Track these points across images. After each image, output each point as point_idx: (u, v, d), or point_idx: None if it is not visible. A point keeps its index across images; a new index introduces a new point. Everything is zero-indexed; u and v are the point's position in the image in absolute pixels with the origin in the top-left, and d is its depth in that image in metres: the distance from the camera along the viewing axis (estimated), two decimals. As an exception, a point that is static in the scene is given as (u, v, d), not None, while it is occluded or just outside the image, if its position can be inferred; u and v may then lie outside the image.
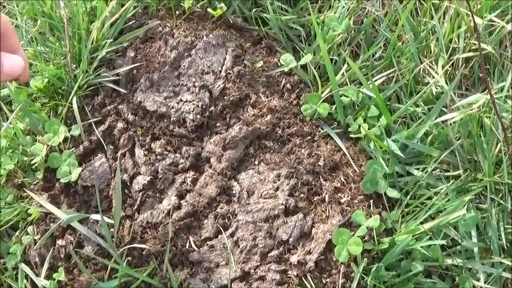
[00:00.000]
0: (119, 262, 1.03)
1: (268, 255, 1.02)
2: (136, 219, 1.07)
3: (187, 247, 1.04)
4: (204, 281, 1.02)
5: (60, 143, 1.12)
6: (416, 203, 1.08)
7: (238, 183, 1.07)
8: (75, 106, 1.12)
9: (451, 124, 1.12)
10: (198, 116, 1.10)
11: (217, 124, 1.11)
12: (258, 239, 1.03)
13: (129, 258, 1.05)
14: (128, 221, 1.07)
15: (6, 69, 0.79)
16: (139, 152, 1.10)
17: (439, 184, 1.10)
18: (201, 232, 1.05)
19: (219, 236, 1.04)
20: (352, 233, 1.04)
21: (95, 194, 1.09)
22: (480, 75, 1.19)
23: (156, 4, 1.23)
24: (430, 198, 1.09)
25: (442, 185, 1.10)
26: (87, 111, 1.14)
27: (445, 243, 1.07)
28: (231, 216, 1.05)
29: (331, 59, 1.18)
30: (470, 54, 1.20)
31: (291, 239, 1.03)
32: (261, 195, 1.06)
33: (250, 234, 1.03)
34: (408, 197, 1.10)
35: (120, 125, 1.12)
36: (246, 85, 1.14)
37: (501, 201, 1.10)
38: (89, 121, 1.13)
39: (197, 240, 1.05)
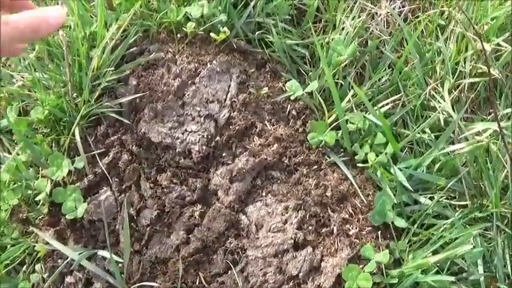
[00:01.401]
0: (129, 300, 0.96)
1: (279, 291, 0.96)
2: (144, 255, 1.00)
3: (197, 283, 0.98)
4: (215, 319, 0.96)
5: (64, 176, 1.03)
6: (424, 233, 1.01)
7: (246, 216, 1.00)
8: (78, 138, 1.03)
9: (458, 153, 1.05)
10: (204, 147, 1.02)
11: (223, 154, 1.03)
12: (268, 274, 0.96)
13: (140, 295, 0.98)
14: (136, 256, 1.00)
15: (53, 21, 0.72)
16: (145, 185, 1.02)
17: (446, 212, 1.04)
18: (211, 268, 0.98)
19: (229, 271, 0.98)
20: (362, 266, 0.98)
21: (102, 229, 1.02)
22: (486, 96, 1.11)
23: (157, 27, 1.13)
24: (437, 228, 1.03)
25: (449, 213, 1.04)
26: (90, 143, 1.06)
27: (452, 271, 1.02)
28: (240, 251, 0.99)
29: (336, 83, 1.09)
30: (477, 79, 1.12)
31: (300, 274, 0.97)
32: (270, 228, 0.99)
33: (260, 269, 0.96)
34: (415, 226, 1.03)
35: (124, 156, 1.04)
36: (251, 113, 1.05)
37: (506, 229, 1.04)
38: (93, 153, 1.05)
39: (207, 276, 0.98)
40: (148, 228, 1.00)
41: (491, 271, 1.05)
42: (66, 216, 1.02)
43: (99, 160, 1.04)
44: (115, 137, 1.06)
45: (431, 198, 1.04)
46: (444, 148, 1.05)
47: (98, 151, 1.05)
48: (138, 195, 1.03)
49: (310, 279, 0.97)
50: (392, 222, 1.03)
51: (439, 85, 1.12)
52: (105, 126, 1.07)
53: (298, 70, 1.13)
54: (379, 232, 1.02)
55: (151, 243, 1.00)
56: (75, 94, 1.07)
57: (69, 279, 1.01)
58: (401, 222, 1.03)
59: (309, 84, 1.09)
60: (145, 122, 1.04)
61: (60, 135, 1.07)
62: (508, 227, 1.06)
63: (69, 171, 1.05)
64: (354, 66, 1.14)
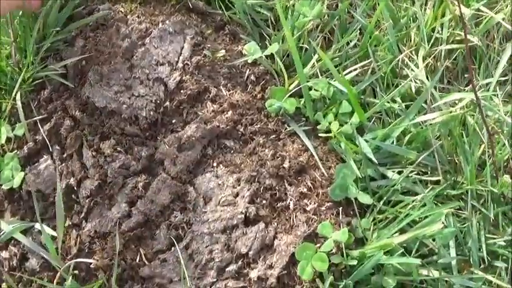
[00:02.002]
0: (65, 277, 0.85)
1: (226, 270, 0.85)
2: (83, 229, 0.89)
3: (137, 261, 0.87)
4: (155, 299, 0.84)
5: (3, 144, 0.93)
6: (391, 210, 0.89)
7: (194, 188, 0.89)
8: (19, 103, 0.93)
9: (431, 124, 0.93)
10: (152, 113, 0.91)
11: (173, 121, 0.92)
12: (214, 252, 0.85)
13: (77, 271, 0.88)
14: (74, 230, 0.90)
15: None
16: (87, 154, 0.92)
17: (416, 189, 0.92)
18: (153, 244, 0.87)
19: (172, 248, 0.86)
20: (318, 246, 0.86)
21: (41, 201, 0.91)
22: (466, 75, 0.99)
23: (110, -15, 1.02)
24: (406, 204, 0.90)
25: (419, 189, 0.91)
26: (33, 108, 0.95)
27: (421, 253, 0.90)
28: (185, 226, 0.87)
29: (301, 48, 0.98)
30: (454, 46, 1.00)
31: (250, 252, 0.85)
32: (219, 202, 0.88)
33: (206, 246, 0.85)
34: (381, 202, 0.91)
35: (67, 122, 0.93)
36: (205, 77, 0.94)
37: (483, 209, 0.91)
38: (34, 119, 0.94)
39: (148, 253, 0.87)
40: (88, 200, 0.90)
41: (465, 254, 0.93)
42: (3, 187, 0.92)
43: (40, 127, 0.94)
44: (58, 102, 0.95)
45: (400, 173, 0.92)
46: (415, 118, 0.93)
47: (40, 117, 0.94)
48: (79, 164, 0.92)
49: (261, 258, 0.86)
50: (356, 198, 0.91)
51: (413, 53, 1.00)
52: (49, 90, 0.96)
53: (261, 34, 1.01)
54: (341, 208, 0.90)
55: (91, 216, 0.90)
56: (18, 56, 0.96)
57: (3, 254, 0.91)
58: (365, 198, 0.91)
59: (270, 48, 0.97)
60: (89, 86, 0.94)
61: (2, 100, 0.96)
62: (484, 206, 0.93)
63: (9, 139, 0.95)
64: (322, 31, 1.02)
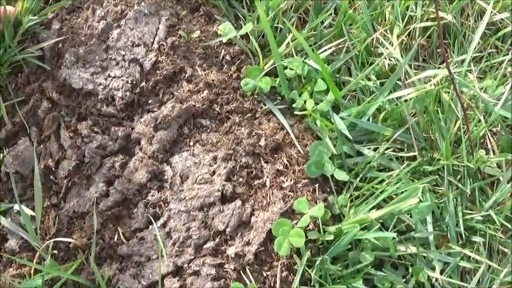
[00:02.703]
0: (44, 257, 0.84)
1: (203, 247, 0.84)
2: (62, 209, 0.88)
3: (115, 239, 0.85)
4: (134, 277, 0.83)
5: (-19, 126, 0.92)
6: (367, 187, 0.88)
7: (170, 167, 0.87)
8: (-4, 85, 0.91)
9: (405, 100, 0.91)
10: (128, 93, 0.90)
11: (149, 101, 0.91)
12: (191, 229, 0.84)
13: (56, 251, 0.86)
14: (53, 210, 0.88)
15: None
16: (64, 135, 0.90)
17: (392, 165, 0.91)
18: (131, 222, 0.86)
19: (150, 226, 0.85)
20: (295, 222, 0.84)
21: (20, 182, 0.89)
22: (438, 50, 0.98)
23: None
24: (382, 181, 0.89)
25: (395, 166, 0.90)
26: (10, 91, 0.93)
27: (398, 229, 0.88)
28: (162, 205, 0.86)
29: (276, 28, 0.96)
30: (429, 23, 0.99)
31: (228, 229, 0.84)
32: (196, 180, 0.86)
33: (184, 224, 0.84)
34: (358, 179, 0.90)
35: (44, 104, 0.91)
36: (180, 58, 0.93)
37: (459, 185, 0.90)
38: (12, 101, 0.92)
39: (126, 231, 0.86)
40: (66, 181, 0.88)
41: (442, 230, 0.91)
42: (-19, 168, 0.90)
43: (18, 109, 0.92)
44: (35, 84, 0.93)
45: (376, 150, 0.91)
46: (390, 95, 0.91)
47: (17, 99, 0.93)
48: (57, 145, 0.90)
49: (238, 235, 0.85)
50: (332, 176, 0.90)
51: (388, 31, 0.99)
52: (27, 73, 0.94)
53: (236, 15, 1.00)
54: (317, 185, 0.89)
55: (69, 197, 0.88)
56: (-4, 39, 0.95)
57: (-18, 235, 0.89)
58: (342, 175, 0.90)
59: (246, 29, 0.96)
60: (66, 68, 0.92)
61: (-21, 83, 0.95)
62: (461, 182, 0.92)
63: (-13, 121, 0.93)
64: (297, 11, 1.00)
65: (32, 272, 0.86)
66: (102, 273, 0.84)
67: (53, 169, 0.89)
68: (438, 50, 0.85)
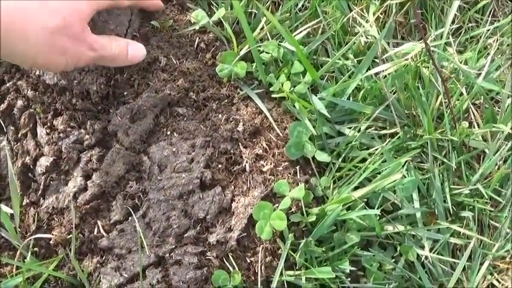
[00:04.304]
0: (25, 255, 0.79)
1: (184, 236, 0.79)
2: (41, 206, 0.83)
3: (95, 233, 0.81)
4: (115, 270, 0.79)
5: (-43, 127, 0.88)
6: (349, 166, 0.83)
7: (148, 157, 0.83)
8: (-30, 86, 0.87)
9: (384, 77, 0.87)
10: (103, 86, 0.85)
11: (125, 93, 0.86)
12: (171, 218, 0.79)
13: (37, 249, 0.82)
14: (32, 208, 0.84)
15: (130, 56, 0.80)
16: (41, 131, 0.86)
17: (374, 144, 0.86)
18: (110, 215, 0.81)
19: (130, 218, 0.80)
20: (277, 205, 0.80)
21: (-2, 182, 0.86)
22: (413, 21, 0.93)
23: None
24: (364, 160, 0.84)
25: (377, 145, 0.85)
26: (-15, 91, 0.89)
27: (385, 209, 0.83)
28: (141, 196, 0.81)
29: (250, 13, 0.92)
30: (405, -1, 0.94)
31: (208, 217, 0.79)
32: (174, 169, 0.81)
33: (163, 214, 0.79)
34: (340, 159, 0.85)
35: (19, 102, 0.87)
36: (154, 48, 0.88)
37: (445, 160, 0.85)
38: (-13, 102, 0.88)
39: (106, 224, 0.81)
40: (44, 177, 0.84)
41: (430, 207, 0.86)
42: (-42, 170, 0.86)
43: (-7, 109, 0.88)
44: (10, 83, 0.89)
45: (357, 129, 0.86)
46: (368, 70, 0.86)
47: (-7, 99, 0.89)
48: (34, 142, 0.86)
49: (219, 222, 0.80)
50: (314, 157, 0.85)
51: (364, 10, 0.94)
52: (1, 72, 0.90)
53: (210, 3, 0.95)
54: (298, 167, 0.84)
55: (47, 193, 0.84)
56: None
57: (-37, 235, 0.85)
58: (323, 156, 0.85)
59: (220, 16, 0.91)
60: (40, 64, 0.88)
61: (-45, 85, 0.91)
62: (447, 157, 0.87)
63: (-36, 123, 0.89)
64: (271, -4, 0.96)
65: (14, 270, 0.82)
66: (83, 267, 0.79)
67: (31, 166, 0.85)
68: (413, 21, 0.80)
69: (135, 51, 0.81)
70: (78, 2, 0.71)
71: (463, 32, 0.96)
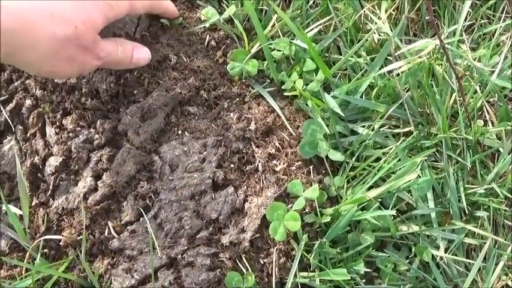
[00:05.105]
0: (35, 256, 0.76)
1: (197, 237, 0.76)
2: (51, 206, 0.80)
3: (106, 234, 0.77)
4: (127, 271, 0.75)
5: (-35, 127, 0.85)
6: (363, 165, 0.80)
7: (159, 157, 0.79)
8: (-23, 85, 0.84)
9: (398, 74, 0.84)
10: (112, 85, 0.82)
11: (135, 92, 0.83)
12: (183, 219, 0.76)
13: (46, 250, 0.79)
14: (42, 208, 0.81)
15: (135, 59, 0.78)
16: (50, 131, 0.83)
17: (388, 143, 0.83)
18: (121, 216, 0.78)
19: (141, 219, 0.77)
20: (290, 206, 0.76)
21: (7, 182, 0.83)
22: (427, 18, 0.89)
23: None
24: (378, 159, 0.81)
25: (391, 143, 0.82)
26: (-6, 91, 0.86)
27: (399, 209, 0.80)
28: (152, 196, 0.78)
29: (261, 10, 0.89)
30: (417, -6, 0.91)
31: (221, 217, 0.76)
32: (186, 169, 0.78)
33: (175, 214, 0.76)
34: (354, 159, 0.82)
35: (28, 102, 0.84)
36: (164, 46, 0.85)
37: (459, 159, 0.82)
38: (-5, 101, 0.85)
39: (117, 225, 0.78)
40: (53, 177, 0.80)
41: (445, 207, 0.83)
42: (-34, 170, 0.83)
43: (2, 108, 0.85)
44: (18, 82, 0.86)
45: (370, 128, 0.83)
46: (382, 69, 0.83)
47: (1, 98, 0.86)
48: (43, 142, 0.83)
49: (232, 223, 0.77)
50: (327, 156, 0.82)
51: (376, 7, 0.91)
52: (9, 71, 0.87)
53: (220, 0, 0.91)
54: (311, 167, 0.81)
55: (57, 194, 0.81)
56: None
57: (-28, 238, 0.82)
58: (337, 156, 0.82)
59: (230, 13, 0.88)
60: (48, 63, 0.84)
61: (-38, 84, 0.88)
62: (461, 156, 0.84)
63: (-28, 123, 0.86)
64: (282, -6, 0.93)
65: (23, 272, 0.79)
66: (94, 269, 0.76)
67: (40, 167, 0.82)
68: (427, 18, 0.76)
69: (140, 54, 0.78)
70: (91, 12, 0.68)
71: (476, 29, 0.93)
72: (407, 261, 0.81)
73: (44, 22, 0.63)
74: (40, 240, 0.77)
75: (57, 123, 0.83)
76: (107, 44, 0.72)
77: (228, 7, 0.87)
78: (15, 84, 0.86)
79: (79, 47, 0.67)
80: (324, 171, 0.82)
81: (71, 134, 0.81)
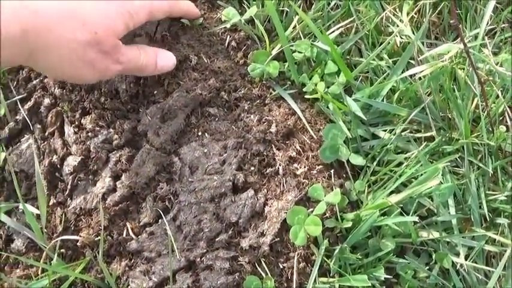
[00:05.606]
0: (52, 256, 0.74)
1: (216, 240, 0.73)
2: (68, 206, 0.78)
3: (124, 235, 0.75)
4: (144, 274, 0.73)
5: (-16, 125, 0.83)
6: (384, 170, 0.78)
7: (179, 158, 0.77)
8: (-4, 83, 0.82)
9: (420, 78, 0.81)
10: (132, 85, 0.80)
11: (155, 92, 0.81)
12: (203, 222, 0.74)
13: (63, 250, 0.77)
14: (59, 208, 0.79)
15: (159, 66, 0.76)
16: (68, 130, 0.81)
17: (410, 147, 0.80)
18: (140, 217, 0.76)
19: (160, 220, 0.75)
20: (311, 210, 0.74)
21: (25, 181, 0.81)
22: (451, 21, 0.87)
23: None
24: (400, 164, 0.79)
25: (413, 148, 0.80)
26: (12, 89, 0.84)
27: (419, 214, 0.78)
28: (172, 198, 0.76)
29: (282, 11, 0.86)
30: (439, -2, 0.88)
31: (241, 220, 0.74)
32: (206, 171, 0.76)
33: (194, 217, 0.74)
34: (375, 163, 0.80)
35: (46, 100, 0.82)
36: (185, 46, 0.83)
37: (481, 165, 0.79)
38: (14, 99, 0.83)
39: (135, 227, 0.76)
40: (71, 177, 0.78)
41: (465, 213, 0.81)
42: (-16, 169, 0.81)
43: (20, 106, 0.83)
44: (37, 80, 0.84)
45: (392, 132, 0.80)
46: (403, 72, 0.81)
47: (19, 97, 0.84)
48: (61, 141, 0.81)
49: (251, 226, 0.75)
50: (348, 160, 0.79)
51: (397, 10, 0.88)
52: (28, 69, 0.85)
53: (240, 1, 0.89)
54: (332, 171, 0.79)
55: (75, 193, 0.79)
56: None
57: (-12, 237, 0.80)
58: (358, 160, 0.79)
59: (251, 14, 0.85)
60: (67, 62, 0.82)
61: (-20, 82, 0.86)
62: (482, 162, 0.81)
63: (-10, 121, 0.84)
64: (303, -5, 0.90)
65: (39, 272, 0.77)
66: (111, 270, 0.74)
67: (58, 166, 0.80)
68: (451, 22, 0.74)
69: (164, 61, 0.77)
70: (113, 19, 0.66)
71: (498, 33, 0.91)
72: (427, 267, 0.79)
73: (67, 24, 0.62)
74: (57, 240, 0.75)
75: (76, 123, 0.81)
76: (128, 49, 0.70)
77: (249, 8, 0.85)
78: (34, 82, 0.84)
79: (99, 52, 0.65)
80: (344, 175, 0.80)
81: (89, 134, 0.79)
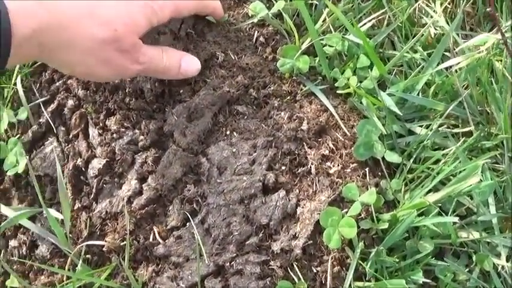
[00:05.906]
0: (76, 262, 0.71)
1: (246, 243, 0.70)
2: (94, 210, 0.75)
3: (151, 240, 0.72)
4: (172, 279, 0.70)
5: (7, 130, 0.81)
6: (421, 168, 0.73)
7: (207, 158, 0.74)
8: (19, 86, 0.80)
9: (456, 71, 0.77)
10: (157, 84, 0.77)
11: (181, 91, 0.77)
12: (232, 225, 0.70)
13: (89, 256, 0.74)
14: (84, 212, 0.76)
15: (183, 69, 0.73)
16: (93, 132, 0.78)
17: (447, 143, 0.76)
18: (167, 221, 0.73)
19: (187, 224, 0.72)
20: (345, 211, 0.70)
21: (49, 185, 0.78)
22: (488, 9, 0.82)
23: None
24: (437, 161, 0.74)
25: (451, 144, 0.75)
26: (35, 91, 0.82)
27: (458, 214, 0.73)
28: (200, 200, 0.72)
29: (311, 4, 0.82)
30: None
31: (272, 223, 0.70)
32: (234, 171, 0.72)
33: (223, 219, 0.70)
34: (411, 160, 0.75)
35: (70, 102, 0.80)
36: (211, 43, 0.79)
37: (522, 161, 0.75)
38: (37, 101, 0.81)
39: (162, 230, 0.72)
40: (96, 180, 0.76)
41: (506, 212, 0.76)
42: (8, 173, 0.79)
43: (43, 109, 0.80)
44: (60, 82, 0.82)
45: (429, 128, 0.76)
46: (439, 65, 0.76)
47: (42, 99, 0.81)
48: (86, 143, 0.78)
49: (283, 229, 0.71)
50: (383, 158, 0.75)
51: (430, 0, 0.84)
52: (50, 71, 0.83)
53: (267, -6, 0.86)
54: (367, 169, 0.74)
55: (100, 197, 0.76)
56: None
57: (12, 243, 0.78)
58: (394, 157, 0.75)
59: (278, 8, 0.82)
60: (90, 61, 0.79)
61: (3, 85, 0.83)
62: (525, 158, 0.76)
63: (13, 125, 0.82)
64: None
65: (64, 279, 0.74)
66: (138, 276, 0.71)
67: (83, 169, 0.77)
68: (488, 10, 0.69)
69: (189, 65, 0.74)
70: (135, 15, 0.64)
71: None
72: (467, 270, 0.74)
73: (83, 21, 0.59)
74: (82, 246, 0.72)
75: (101, 124, 0.78)
76: (149, 49, 0.67)
77: (276, 1, 0.81)
78: (57, 84, 0.81)
79: (117, 50, 0.62)
80: (380, 173, 0.76)
81: (114, 135, 0.76)
